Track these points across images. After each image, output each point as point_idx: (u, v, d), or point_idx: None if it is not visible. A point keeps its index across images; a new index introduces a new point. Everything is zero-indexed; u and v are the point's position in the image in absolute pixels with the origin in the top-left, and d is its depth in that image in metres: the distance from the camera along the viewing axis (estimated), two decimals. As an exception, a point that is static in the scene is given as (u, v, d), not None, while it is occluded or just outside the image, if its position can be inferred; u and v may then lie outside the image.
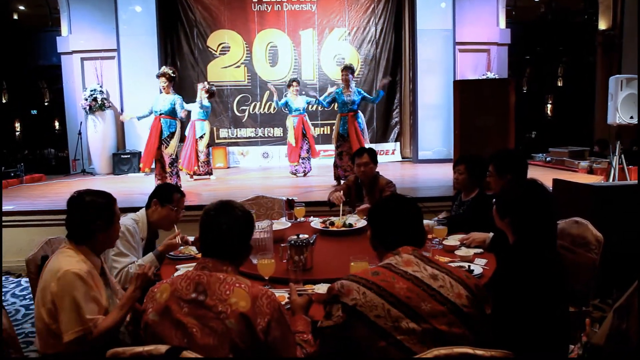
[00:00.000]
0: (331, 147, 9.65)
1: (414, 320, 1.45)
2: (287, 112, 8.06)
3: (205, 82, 8.22)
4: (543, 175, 6.50)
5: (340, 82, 7.32)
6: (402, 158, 10.30)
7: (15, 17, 10.75)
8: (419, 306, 1.46)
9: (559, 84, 12.12)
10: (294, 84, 7.89)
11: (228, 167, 9.74)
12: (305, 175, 7.98)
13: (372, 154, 3.81)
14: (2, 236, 5.13)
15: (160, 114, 6.39)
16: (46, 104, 11.04)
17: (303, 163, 7.97)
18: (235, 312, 1.47)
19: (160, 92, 6.51)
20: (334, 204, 3.65)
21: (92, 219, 2.01)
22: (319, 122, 10.04)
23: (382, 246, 1.70)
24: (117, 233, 2.19)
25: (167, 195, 2.89)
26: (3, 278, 4.97)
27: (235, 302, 1.49)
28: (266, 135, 10.04)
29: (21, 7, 10.85)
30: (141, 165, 6.77)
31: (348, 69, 6.96)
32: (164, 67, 6.91)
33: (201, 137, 7.82)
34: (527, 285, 1.75)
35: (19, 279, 4.92)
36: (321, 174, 8.07)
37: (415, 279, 1.51)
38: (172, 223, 2.91)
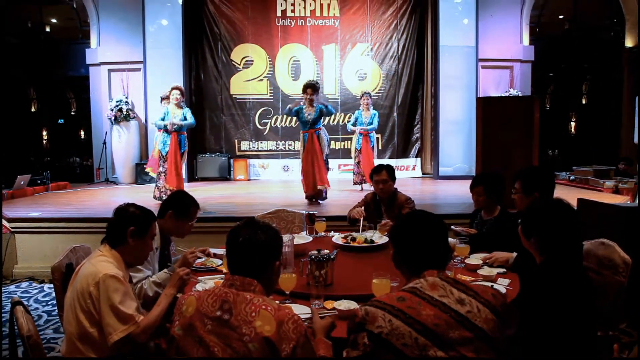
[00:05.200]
0: (350, 162, 9.70)
1: (442, 348, 1.42)
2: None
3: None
4: (567, 194, 6.38)
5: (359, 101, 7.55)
6: (423, 174, 10.23)
7: (48, 29, 11.09)
8: (446, 334, 1.43)
9: (583, 101, 11.96)
10: (308, 90, 6.46)
11: (249, 180, 9.82)
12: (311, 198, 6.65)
13: (390, 170, 3.82)
14: (27, 242, 5.30)
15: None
16: (73, 113, 11.32)
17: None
18: (259, 336, 1.47)
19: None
20: (354, 220, 3.61)
21: (127, 224, 2.19)
22: (340, 136, 10.07)
23: (406, 268, 1.65)
24: (146, 251, 2.29)
25: (184, 209, 2.85)
26: (27, 284, 5.07)
27: (260, 326, 1.48)
28: (287, 148, 10.10)
29: (53, 20, 11.20)
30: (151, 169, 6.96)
31: (367, 94, 8.04)
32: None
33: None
34: (557, 306, 1.71)
35: (42, 285, 5.01)
36: (341, 189, 8.04)
37: (443, 306, 1.47)
38: (184, 233, 2.92)
